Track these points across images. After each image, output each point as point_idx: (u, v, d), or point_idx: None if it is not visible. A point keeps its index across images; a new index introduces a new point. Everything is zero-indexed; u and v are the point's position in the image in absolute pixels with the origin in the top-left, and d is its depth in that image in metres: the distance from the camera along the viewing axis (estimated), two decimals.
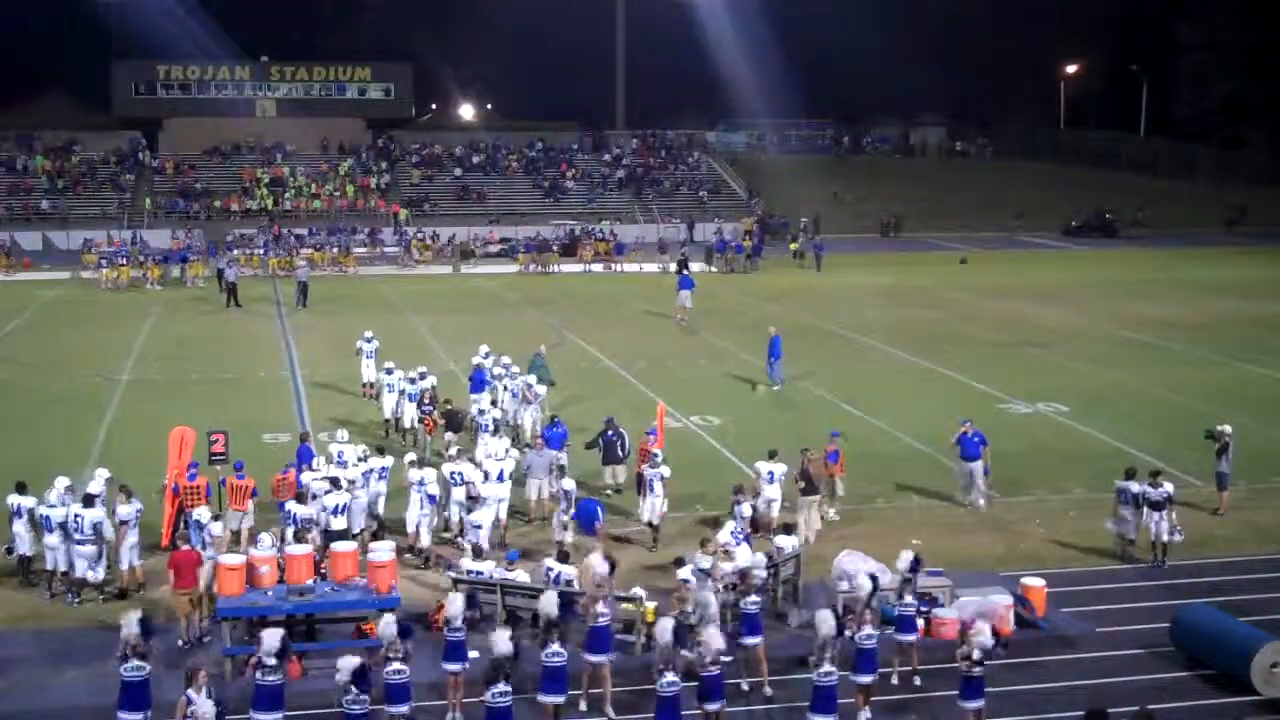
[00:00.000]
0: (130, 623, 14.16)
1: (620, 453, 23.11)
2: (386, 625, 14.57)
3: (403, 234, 64.43)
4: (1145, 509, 20.01)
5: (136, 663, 13.96)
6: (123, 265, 53.16)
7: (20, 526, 18.84)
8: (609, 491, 23.10)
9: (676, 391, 31.50)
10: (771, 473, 21.09)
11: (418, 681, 15.15)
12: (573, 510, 20.28)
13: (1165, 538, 19.91)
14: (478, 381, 27.47)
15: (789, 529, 19.02)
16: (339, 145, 77.61)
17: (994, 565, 19.94)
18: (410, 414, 26.39)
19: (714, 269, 58.15)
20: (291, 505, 19.20)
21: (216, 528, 18.35)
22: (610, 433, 23.18)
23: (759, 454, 21.91)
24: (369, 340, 30.97)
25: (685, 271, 48.26)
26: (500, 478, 20.83)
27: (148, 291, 51.35)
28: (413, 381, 26.56)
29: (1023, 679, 16.04)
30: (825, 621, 14.52)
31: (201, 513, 18.76)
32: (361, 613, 16.93)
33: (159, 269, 53.75)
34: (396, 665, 14.26)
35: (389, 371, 27.38)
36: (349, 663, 13.78)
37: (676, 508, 22.08)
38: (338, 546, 17.48)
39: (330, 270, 56.33)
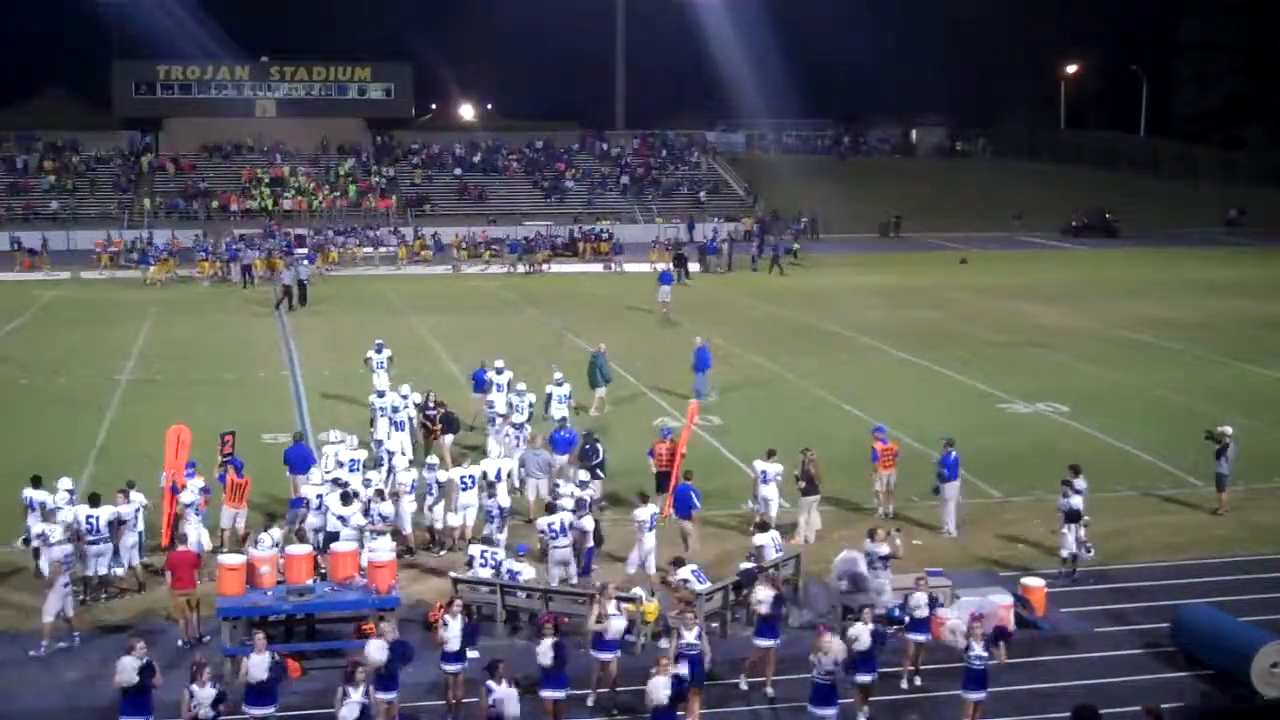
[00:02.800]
0: (126, 669, 13.80)
1: (595, 468, 22.05)
2: (376, 650, 14.20)
3: (399, 233, 64.60)
4: (1062, 519, 19.54)
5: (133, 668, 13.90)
6: (165, 260, 54.15)
7: (35, 520, 18.84)
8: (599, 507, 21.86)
9: (676, 391, 31.46)
10: (764, 472, 20.95)
11: (417, 681, 15.14)
12: (504, 530, 19.61)
13: (1074, 550, 19.29)
14: (478, 382, 27.59)
15: (765, 527, 18.92)
16: (339, 145, 77.62)
17: (994, 565, 19.94)
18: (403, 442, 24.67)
19: (711, 270, 58.17)
20: (336, 507, 19.13)
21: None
22: (587, 446, 22.36)
23: (759, 453, 21.89)
24: (379, 349, 29.74)
25: (668, 268, 49.13)
26: (498, 477, 20.86)
27: (199, 289, 52.14)
28: (396, 410, 25.26)
29: (1023, 679, 16.03)
30: (861, 637, 14.78)
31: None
32: (361, 613, 16.94)
33: (214, 265, 54.41)
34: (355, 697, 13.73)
35: (386, 394, 25.64)
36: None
37: None
38: (337, 546, 17.48)
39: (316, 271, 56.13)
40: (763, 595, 16.02)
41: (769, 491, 20.89)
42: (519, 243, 60.27)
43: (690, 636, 14.87)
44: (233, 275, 53.65)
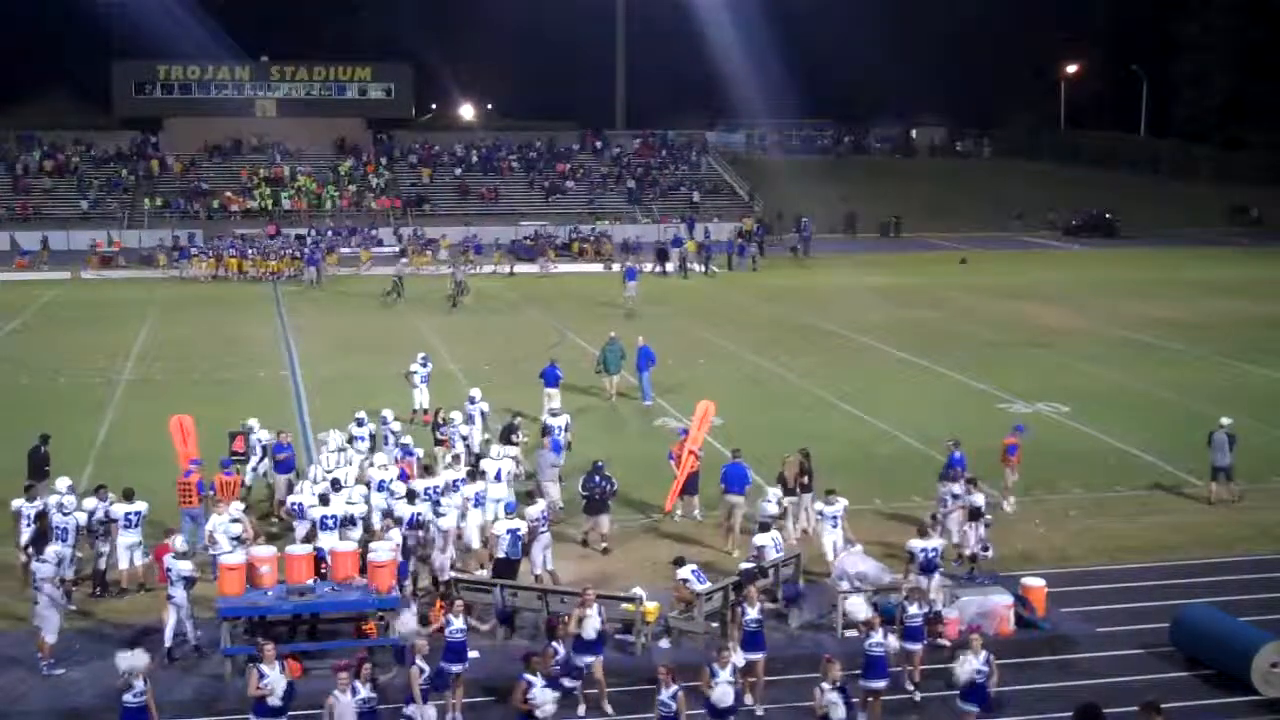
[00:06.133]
0: (134, 657, 13.80)
1: (607, 502, 20.77)
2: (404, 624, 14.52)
3: (365, 235, 64.76)
4: (964, 515, 19.48)
5: (139, 687, 13.74)
6: (211, 258, 55.69)
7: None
8: (598, 549, 20.65)
9: (676, 391, 31.49)
10: (822, 513, 19.77)
11: None
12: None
13: (973, 549, 19.19)
14: (550, 378, 28.20)
15: (765, 527, 18.93)
16: (339, 145, 77.63)
17: (994, 565, 19.92)
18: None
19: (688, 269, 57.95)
20: (314, 509, 19.05)
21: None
22: (598, 478, 20.69)
23: (757, 452, 21.88)
24: (424, 364, 28.91)
25: (633, 266, 50.21)
26: (498, 477, 20.85)
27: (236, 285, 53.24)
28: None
29: (1023, 679, 16.02)
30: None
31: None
32: (361, 613, 16.94)
33: (288, 264, 55.40)
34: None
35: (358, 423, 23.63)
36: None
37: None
38: (337, 546, 17.46)
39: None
40: (751, 613, 15.68)
41: (828, 536, 19.36)
42: (482, 245, 60.24)
43: (664, 696, 13.87)
44: (305, 276, 54.21)
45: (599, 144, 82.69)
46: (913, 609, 16.00)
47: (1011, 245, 70.98)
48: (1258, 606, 18.04)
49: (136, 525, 18.79)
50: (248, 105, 77.22)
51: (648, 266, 56.22)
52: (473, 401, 24.92)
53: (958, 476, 21.22)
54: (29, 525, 18.63)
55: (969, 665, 14.27)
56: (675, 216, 72.29)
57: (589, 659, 15.45)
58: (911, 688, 15.89)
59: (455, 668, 15.11)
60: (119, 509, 18.73)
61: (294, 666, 14.49)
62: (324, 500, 18.97)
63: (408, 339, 38.52)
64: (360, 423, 23.36)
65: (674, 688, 13.76)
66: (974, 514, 19.36)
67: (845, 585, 17.73)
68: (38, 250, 59.02)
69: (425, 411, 27.56)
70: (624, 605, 16.97)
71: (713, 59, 79.24)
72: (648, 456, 24.80)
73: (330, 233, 64.07)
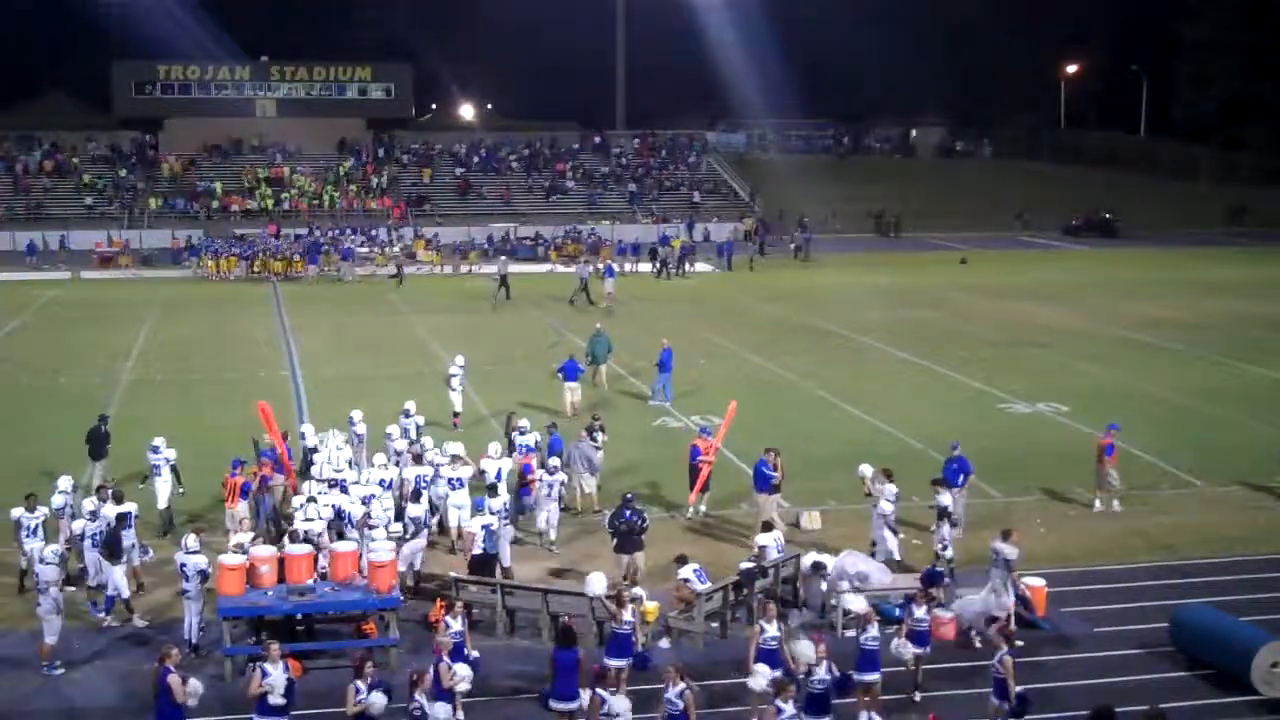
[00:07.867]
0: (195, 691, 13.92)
1: (639, 538, 18.93)
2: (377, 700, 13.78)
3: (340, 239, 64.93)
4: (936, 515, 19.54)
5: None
6: (223, 258, 56.08)
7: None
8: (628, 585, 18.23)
9: (677, 391, 31.45)
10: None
11: None
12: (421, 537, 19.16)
13: (935, 547, 19.14)
14: (570, 372, 28.97)
15: (768, 527, 18.88)
16: (339, 145, 77.67)
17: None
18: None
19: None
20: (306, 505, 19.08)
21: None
22: (628, 512, 18.98)
23: (756, 452, 21.85)
24: (461, 367, 28.63)
25: (611, 264, 51.68)
26: (498, 477, 20.79)
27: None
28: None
29: (1023, 679, 15.98)
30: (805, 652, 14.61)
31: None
32: (361, 613, 16.93)
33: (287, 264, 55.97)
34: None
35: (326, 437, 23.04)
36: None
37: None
38: (337, 546, 17.46)
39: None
40: (770, 631, 15.19)
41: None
42: (466, 244, 60.45)
43: (671, 694, 13.81)
44: (342, 272, 54.81)
45: (598, 139, 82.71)
46: (919, 612, 15.98)
47: (1011, 245, 70.99)
48: (1258, 606, 18.04)
49: (132, 525, 18.75)
50: (248, 105, 77.28)
51: (615, 265, 56.34)
52: (352, 424, 23.88)
53: (965, 473, 21.28)
54: (29, 535, 18.45)
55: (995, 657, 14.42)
56: (672, 216, 72.35)
57: (621, 661, 15.31)
58: (913, 688, 15.89)
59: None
60: (109, 510, 18.66)
61: (295, 666, 14.49)
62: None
63: (408, 339, 38.54)
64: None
65: (680, 685, 13.76)
66: (941, 514, 19.36)
67: (845, 585, 17.74)
68: (41, 250, 59.09)
69: (458, 415, 27.79)
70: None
71: (713, 59, 79.30)
72: (649, 457, 24.81)
73: (334, 233, 64.09)
